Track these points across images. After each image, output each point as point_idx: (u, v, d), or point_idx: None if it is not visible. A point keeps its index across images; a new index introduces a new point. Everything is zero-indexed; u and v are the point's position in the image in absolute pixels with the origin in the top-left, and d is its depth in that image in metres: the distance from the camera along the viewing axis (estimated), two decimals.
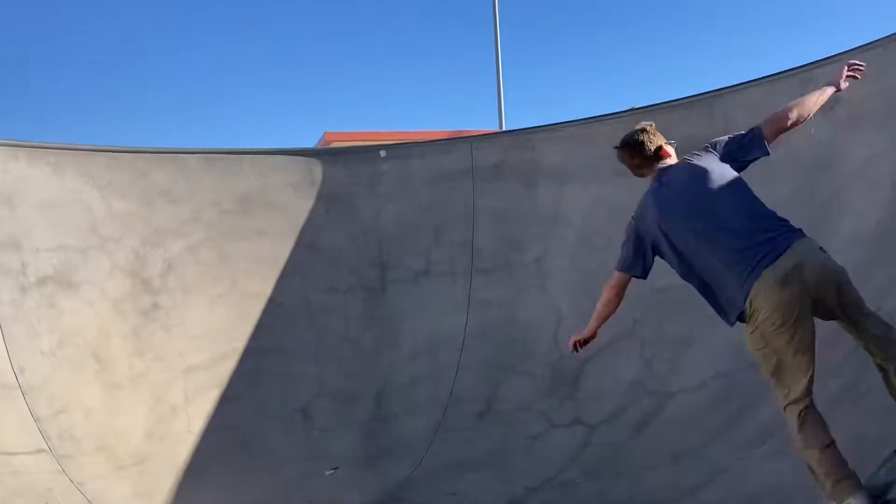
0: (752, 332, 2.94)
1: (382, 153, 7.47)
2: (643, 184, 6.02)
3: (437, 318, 6.65)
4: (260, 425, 6.07)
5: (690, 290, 5.68)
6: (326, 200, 7.29)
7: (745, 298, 2.88)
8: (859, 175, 4.90)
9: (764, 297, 2.81)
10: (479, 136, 8.53)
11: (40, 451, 5.30)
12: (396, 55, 49.36)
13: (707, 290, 3.25)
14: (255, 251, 6.99)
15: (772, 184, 5.40)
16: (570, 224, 6.59)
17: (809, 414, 2.88)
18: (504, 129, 18.15)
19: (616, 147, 3.52)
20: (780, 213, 3.07)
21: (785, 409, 2.94)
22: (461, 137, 8.42)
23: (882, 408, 3.73)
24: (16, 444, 5.23)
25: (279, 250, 7.07)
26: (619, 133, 6.58)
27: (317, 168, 7.45)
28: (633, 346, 5.73)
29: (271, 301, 6.77)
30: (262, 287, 6.86)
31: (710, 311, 5.53)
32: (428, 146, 7.84)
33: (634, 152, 3.40)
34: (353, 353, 6.65)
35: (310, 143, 19.74)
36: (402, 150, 7.73)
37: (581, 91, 48.76)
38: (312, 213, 7.25)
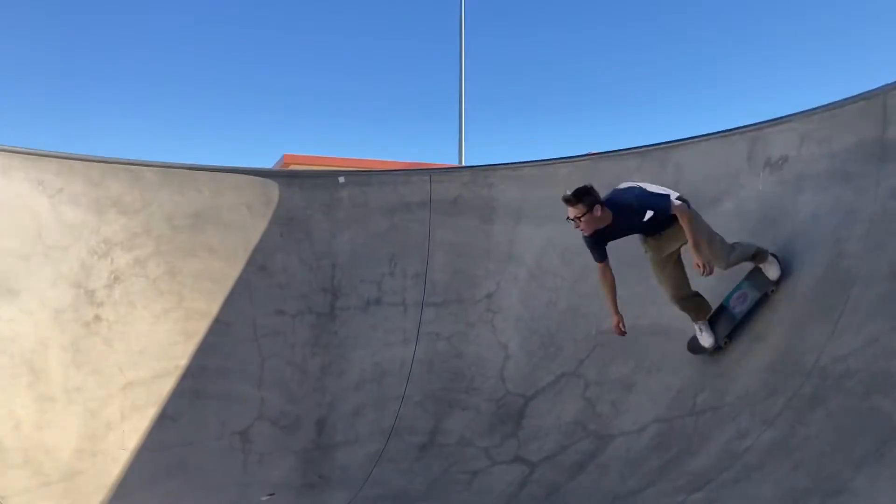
0: None
1: (341, 179, 7.48)
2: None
3: (385, 348, 6.63)
4: (197, 447, 5.93)
5: (636, 335, 5.80)
6: (281, 223, 7.25)
7: None
8: (802, 233, 5.07)
9: None
10: (438, 168, 8.59)
11: None
12: (360, 82, 49.57)
13: None
14: (205, 269, 6.90)
15: None
16: (523, 262, 6.67)
17: None
18: (464, 163, 18.33)
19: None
20: None
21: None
22: (420, 169, 8.48)
23: (813, 461, 3.84)
24: None
25: (229, 270, 6.99)
26: (574, 176, 6.77)
27: (273, 189, 7.42)
28: (577, 387, 5.78)
29: (217, 320, 6.67)
30: (208, 306, 6.76)
31: (653, 356, 5.65)
32: (387, 175, 7.88)
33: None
34: (297, 378, 6.57)
35: (268, 163, 19.63)
36: (361, 177, 7.74)
37: (542, 132, 49.52)
38: (266, 234, 7.21)
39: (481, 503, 5.04)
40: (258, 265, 7.06)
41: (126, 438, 5.87)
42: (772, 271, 4.97)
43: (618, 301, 4.91)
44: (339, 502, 5.27)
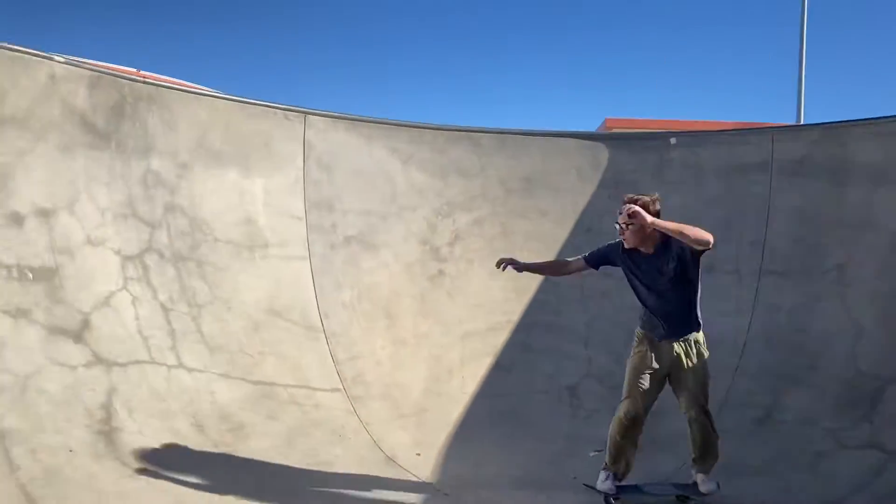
0: None
1: (673, 140, 7.27)
2: None
3: (718, 318, 6.31)
4: (528, 397, 6.26)
5: None
6: (609, 185, 7.27)
7: None
8: None
9: None
10: (780, 127, 7.93)
11: (336, 390, 5.93)
12: (676, 40, 47.55)
13: None
14: (535, 230, 7.20)
15: None
16: (883, 231, 5.92)
17: None
18: (802, 122, 16.79)
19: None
20: None
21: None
22: (758, 128, 7.89)
23: None
24: (318, 380, 5.91)
25: (558, 231, 7.21)
26: None
27: (601, 152, 7.46)
28: None
29: (547, 279, 6.92)
30: None
31: None
32: (721, 135, 7.48)
33: None
34: (623, 340, 6.55)
35: (591, 127, 19.74)
36: (692, 138, 7.44)
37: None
38: (594, 197, 7.28)
39: (826, 487, 4.66)
40: (585, 227, 7.17)
41: (465, 383, 6.40)
42: (706, 486, 4.60)
43: None
44: (668, 465, 5.22)
